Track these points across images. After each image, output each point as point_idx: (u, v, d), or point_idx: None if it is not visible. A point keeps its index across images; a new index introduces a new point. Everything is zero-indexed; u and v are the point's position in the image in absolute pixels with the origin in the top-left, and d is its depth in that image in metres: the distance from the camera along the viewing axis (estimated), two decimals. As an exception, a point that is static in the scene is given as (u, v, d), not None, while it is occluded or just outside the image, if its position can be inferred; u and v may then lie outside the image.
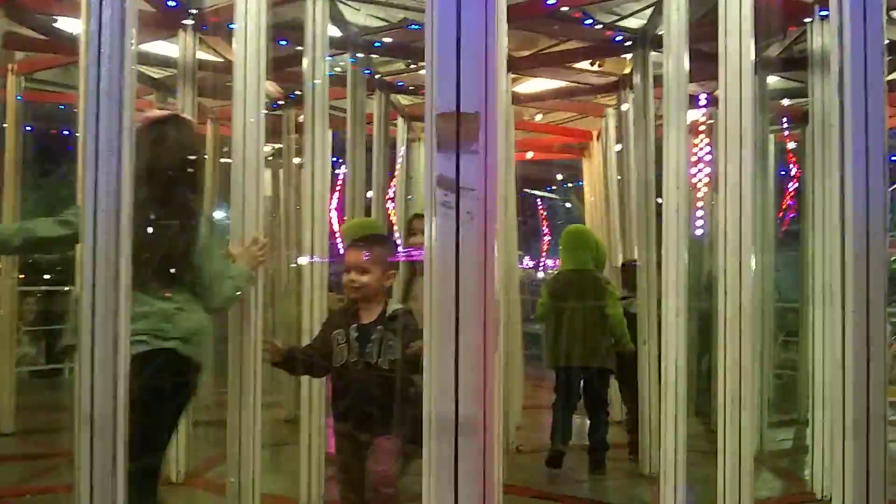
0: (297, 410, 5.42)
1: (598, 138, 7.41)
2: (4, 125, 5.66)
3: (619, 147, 6.79)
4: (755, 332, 3.01)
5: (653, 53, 4.93)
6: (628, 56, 5.69)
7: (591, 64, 6.25)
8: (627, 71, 5.69)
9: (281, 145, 6.94)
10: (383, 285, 2.92)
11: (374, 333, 2.84)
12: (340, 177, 6.78)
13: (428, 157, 1.43)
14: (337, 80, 5.18)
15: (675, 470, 3.70)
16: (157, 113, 2.84)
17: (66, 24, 5.37)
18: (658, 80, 4.86)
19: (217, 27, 4.56)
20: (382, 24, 5.31)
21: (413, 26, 5.18)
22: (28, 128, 6.31)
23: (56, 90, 7.19)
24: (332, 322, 3.02)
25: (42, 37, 5.39)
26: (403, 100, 6.97)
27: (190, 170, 2.74)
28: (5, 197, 5.48)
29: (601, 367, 4.75)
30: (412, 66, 6.56)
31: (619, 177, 6.45)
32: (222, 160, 7.17)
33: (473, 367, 1.38)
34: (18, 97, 5.91)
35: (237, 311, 2.80)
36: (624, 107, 6.05)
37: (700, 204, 6.76)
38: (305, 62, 3.89)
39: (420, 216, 3.55)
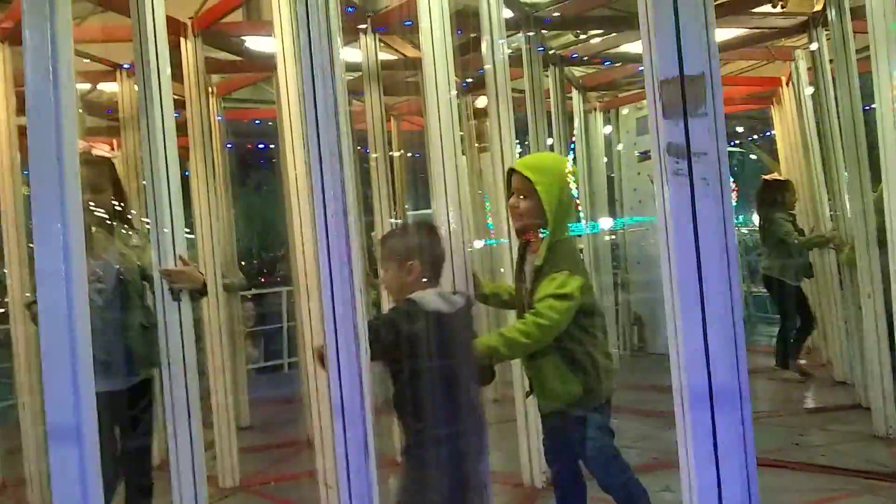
0: (503, 390, 5.56)
1: (787, 84, 6.93)
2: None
3: (811, 90, 6.35)
4: None
5: (847, -14, 4.56)
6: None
7: (773, 6, 5.87)
8: (818, 8, 5.29)
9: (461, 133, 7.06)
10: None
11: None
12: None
13: (653, 125, 1.40)
14: (511, 61, 5.20)
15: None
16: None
17: (254, 42, 5.75)
18: (854, 14, 4.52)
19: (394, 26, 4.70)
20: (552, -2, 5.27)
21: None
22: (228, 145, 6.83)
23: (248, 107, 7.74)
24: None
25: (235, 58, 5.80)
26: (576, 71, 6.89)
27: None
28: (217, 211, 5.96)
29: None
30: (582, 37, 6.48)
31: (816, 122, 6.02)
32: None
33: (722, 336, 1.35)
34: (219, 117, 6.40)
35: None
36: (813, 46, 5.64)
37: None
38: (484, 47, 3.93)
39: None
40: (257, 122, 7.21)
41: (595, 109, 7.96)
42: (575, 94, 7.03)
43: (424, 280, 2.47)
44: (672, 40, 1.36)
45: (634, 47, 6.55)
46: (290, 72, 3.76)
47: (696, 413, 1.35)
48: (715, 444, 1.34)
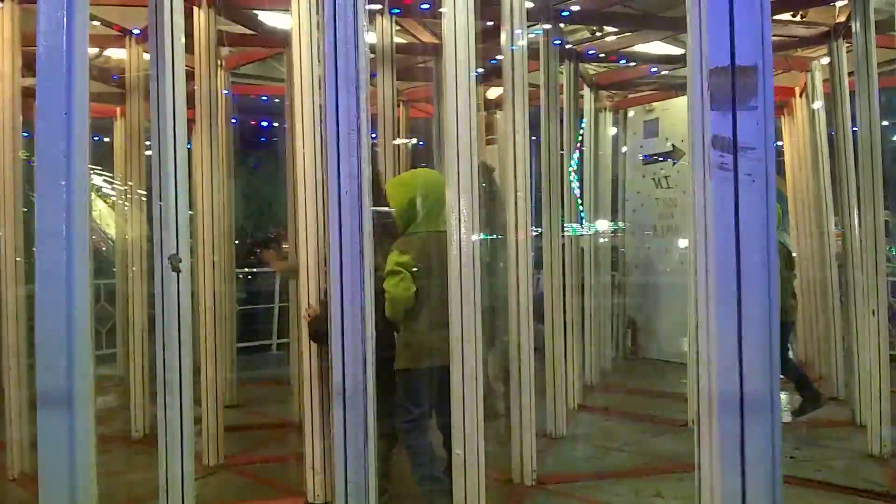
0: (494, 385, 5.50)
1: (801, 94, 6.86)
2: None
3: (818, 104, 6.30)
4: None
5: (873, -2, 4.49)
6: (839, 4, 5.25)
7: (794, 15, 5.80)
8: (841, 19, 5.23)
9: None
10: None
11: None
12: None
13: (697, 116, 1.34)
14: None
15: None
16: None
17: (268, 17, 5.65)
18: (879, 27, 4.46)
19: (411, 9, 4.62)
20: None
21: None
22: (233, 120, 6.72)
23: (256, 83, 7.63)
24: None
25: (248, 31, 5.70)
26: (589, 69, 6.82)
27: None
28: (218, 188, 5.86)
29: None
30: (598, 34, 6.39)
31: (829, 134, 5.96)
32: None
33: (758, 342, 1.28)
34: (226, 91, 6.29)
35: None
36: (824, 61, 5.59)
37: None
38: (503, 37, 3.86)
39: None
40: (264, 98, 7.10)
41: (605, 108, 7.89)
42: (587, 91, 6.96)
43: None
44: (725, 28, 1.29)
45: (648, 48, 6.49)
46: (305, 49, 3.68)
47: (724, 420, 1.29)
48: (742, 453, 1.28)
